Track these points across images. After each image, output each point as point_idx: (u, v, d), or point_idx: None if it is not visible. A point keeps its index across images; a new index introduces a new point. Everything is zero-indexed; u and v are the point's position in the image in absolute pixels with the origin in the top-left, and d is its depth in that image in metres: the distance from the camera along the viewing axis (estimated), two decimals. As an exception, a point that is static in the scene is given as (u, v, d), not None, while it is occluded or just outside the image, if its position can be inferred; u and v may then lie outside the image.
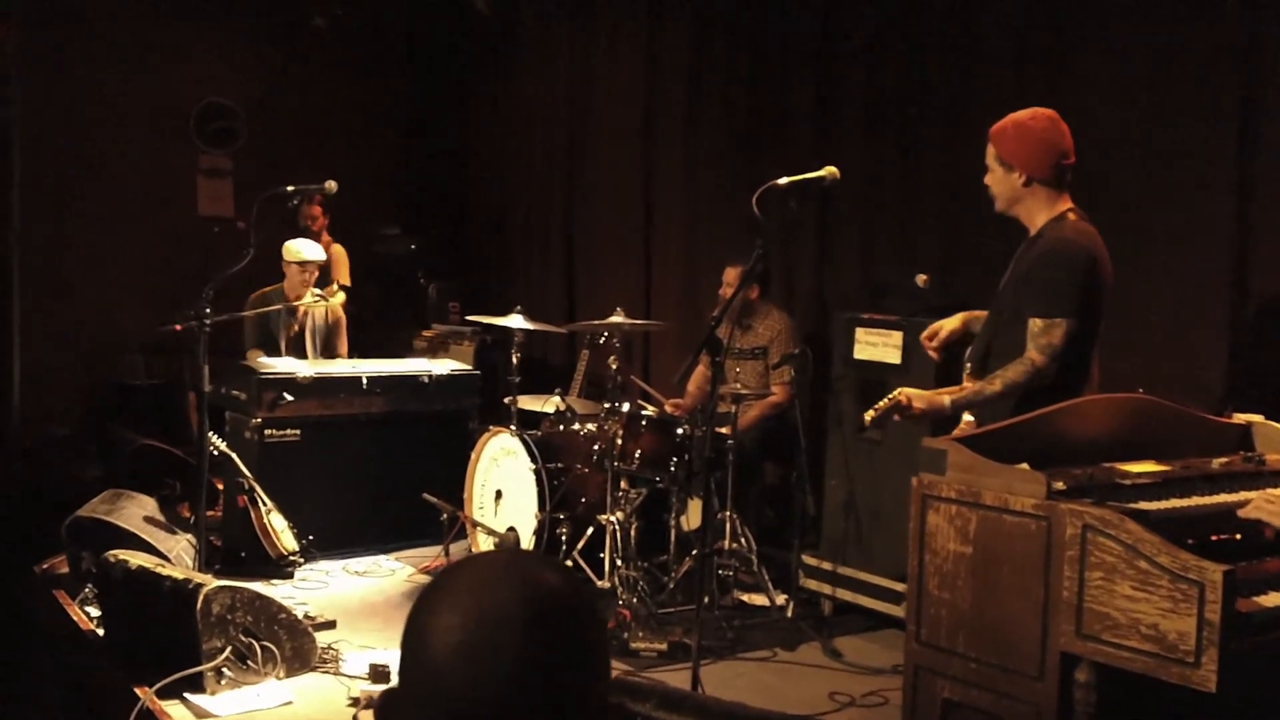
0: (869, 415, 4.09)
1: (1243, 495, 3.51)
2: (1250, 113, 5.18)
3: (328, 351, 7.52)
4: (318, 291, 7.41)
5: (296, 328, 7.46)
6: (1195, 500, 3.47)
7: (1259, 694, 3.47)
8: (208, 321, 5.50)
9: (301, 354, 7.37)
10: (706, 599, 5.67)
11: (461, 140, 11.01)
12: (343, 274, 8.71)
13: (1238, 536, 3.46)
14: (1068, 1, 5.87)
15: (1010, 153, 4.04)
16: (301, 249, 7.38)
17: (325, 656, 5.00)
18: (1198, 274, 5.36)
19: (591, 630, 1.41)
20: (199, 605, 4.49)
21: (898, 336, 5.72)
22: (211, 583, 4.63)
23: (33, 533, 6.49)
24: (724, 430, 6.05)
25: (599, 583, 6.06)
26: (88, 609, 5.46)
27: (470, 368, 7.81)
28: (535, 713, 1.32)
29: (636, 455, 6.15)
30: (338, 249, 8.84)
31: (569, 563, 5.97)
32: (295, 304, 7.31)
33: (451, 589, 1.39)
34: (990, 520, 3.47)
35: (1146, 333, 5.51)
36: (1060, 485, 3.39)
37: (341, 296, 7.87)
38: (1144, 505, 3.34)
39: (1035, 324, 3.93)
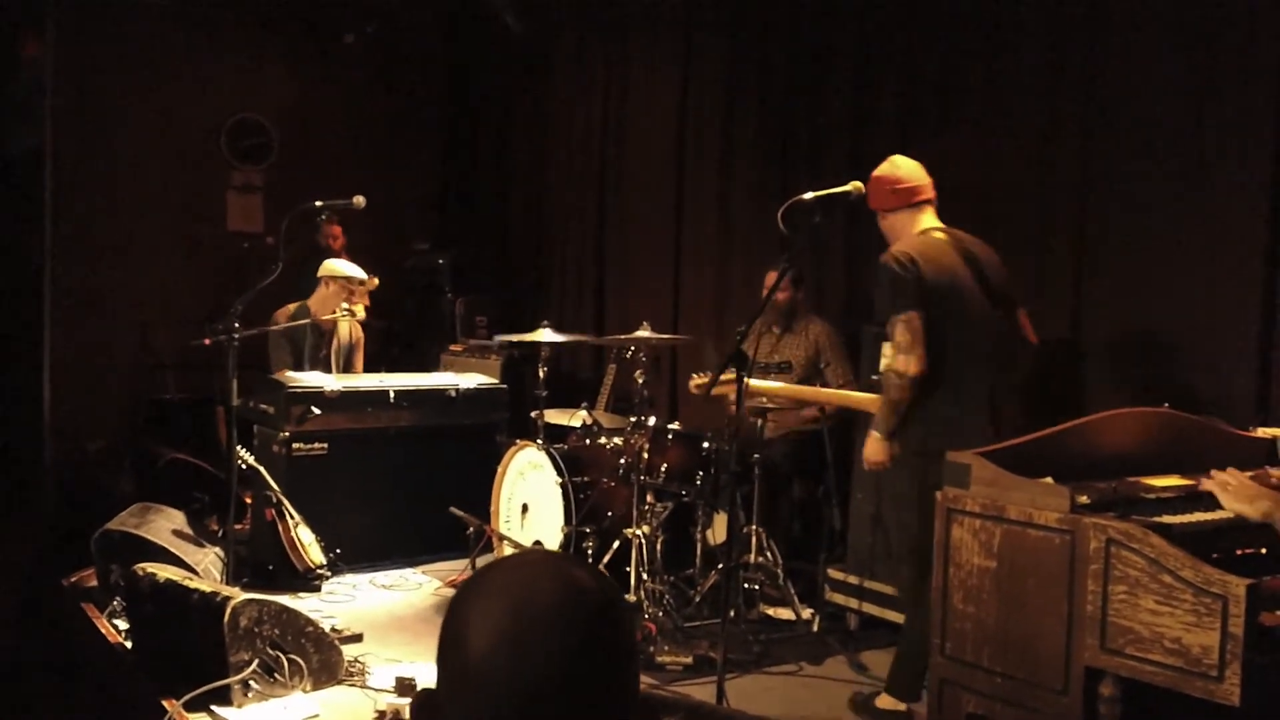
0: (697, 381, 5.04)
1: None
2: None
3: (347, 369, 7.54)
4: (345, 307, 7.44)
5: (325, 350, 7.47)
6: (1219, 514, 3.44)
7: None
8: (236, 336, 5.54)
9: (326, 371, 7.38)
10: (732, 613, 5.69)
11: (493, 156, 11.05)
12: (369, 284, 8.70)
13: (1263, 550, 3.45)
14: (1100, 16, 5.86)
15: (871, 202, 4.74)
16: (347, 267, 7.34)
17: (352, 669, 5.01)
18: (1227, 290, 5.33)
19: (624, 625, 1.42)
20: (226, 618, 4.52)
21: (924, 350, 5.71)
22: (239, 596, 4.65)
23: (66, 546, 6.54)
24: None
25: (626, 597, 6.07)
26: (116, 622, 5.49)
27: (497, 382, 7.83)
28: (575, 706, 1.33)
29: (663, 469, 6.17)
30: None
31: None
32: (327, 318, 7.31)
33: (490, 585, 1.40)
34: (1014, 534, 3.47)
35: (1176, 349, 5.49)
36: (1084, 499, 3.39)
37: (361, 314, 7.88)
38: (1168, 519, 3.34)
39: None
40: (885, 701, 4.65)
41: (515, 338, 7.08)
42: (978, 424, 4.42)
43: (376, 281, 7.66)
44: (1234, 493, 3.36)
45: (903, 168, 4.72)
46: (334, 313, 7.27)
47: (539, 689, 1.32)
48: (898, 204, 4.68)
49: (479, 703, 1.34)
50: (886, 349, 4.45)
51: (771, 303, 6.04)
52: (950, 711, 3.66)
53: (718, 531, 6.37)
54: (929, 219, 4.69)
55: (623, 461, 6.22)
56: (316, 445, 6.76)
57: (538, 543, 6.38)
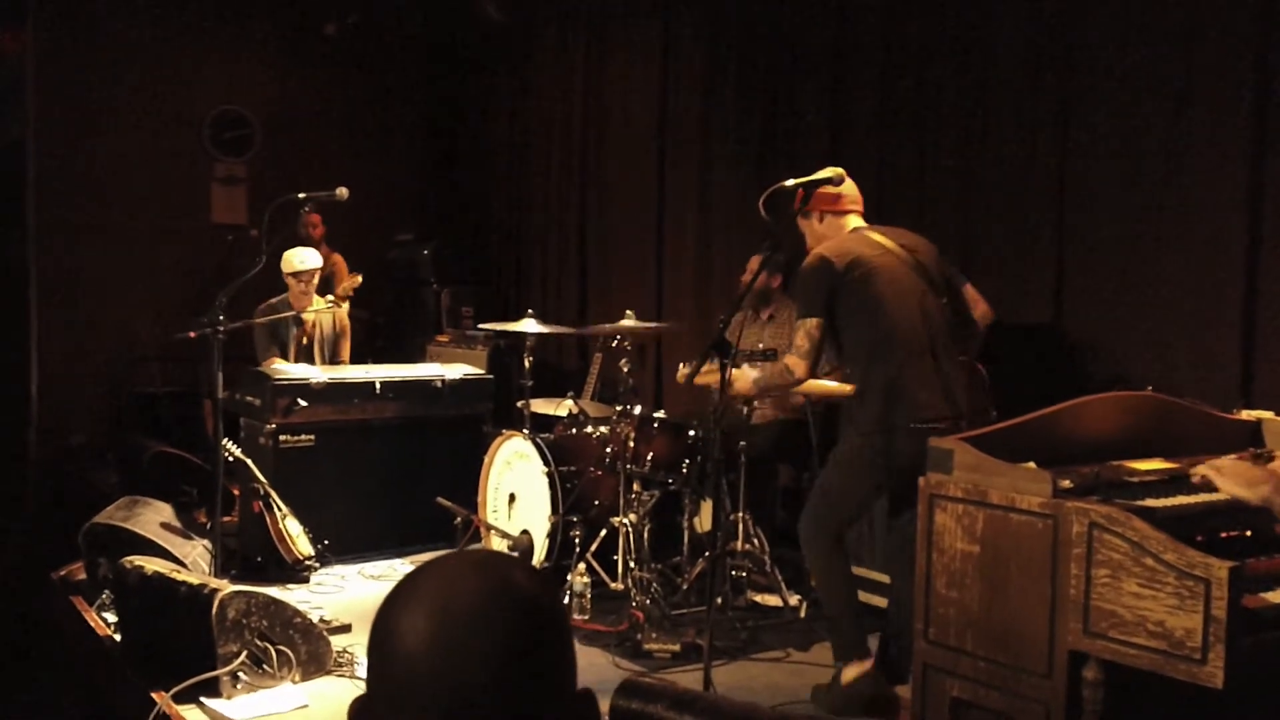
0: (684, 370, 5.36)
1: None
2: (1262, 111, 5.17)
3: (333, 360, 7.53)
4: (330, 298, 7.44)
5: (305, 339, 7.46)
6: (1203, 497, 3.46)
7: (1267, 690, 3.47)
8: (221, 329, 5.54)
9: (310, 363, 7.37)
10: (719, 600, 5.71)
11: (476, 146, 11.04)
12: (351, 282, 8.66)
13: (1248, 533, 3.47)
14: (1079, 7, 5.87)
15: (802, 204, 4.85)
16: (292, 259, 7.28)
17: (340, 660, 5.01)
18: (1210, 275, 5.35)
19: (558, 624, 1.41)
20: (214, 610, 4.52)
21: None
22: (227, 587, 4.65)
23: (52, 540, 6.53)
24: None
25: (613, 585, 6.09)
26: (104, 615, 5.49)
27: (483, 372, 7.82)
28: (506, 707, 1.33)
29: (649, 458, 6.18)
30: (337, 258, 8.85)
31: (582, 565, 5.99)
32: (304, 312, 7.30)
33: (416, 589, 1.39)
34: (997, 519, 3.49)
35: (1159, 333, 5.52)
36: (1067, 483, 3.40)
37: (346, 305, 7.86)
38: (1151, 503, 3.35)
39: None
40: (848, 673, 4.66)
41: (497, 327, 7.06)
42: (932, 394, 4.51)
43: (360, 279, 7.66)
44: (1230, 476, 3.36)
45: (845, 190, 4.85)
46: (304, 306, 7.26)
47: (465, 690, 1.32)
48: (829, 209, 4.82)
49: (408, 705, 1.34)
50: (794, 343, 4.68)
51: (755, 289, 6.06)
52: (934, 696, 3.68)
53: (704, 519, 6.39)
54: (855, 221, 4.86)
55: (609, 450, 6.23)
56: (303, 437, 6.76)
57: (525, 532, 6.39)
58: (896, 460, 4.45)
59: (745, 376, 4.87)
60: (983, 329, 4.84)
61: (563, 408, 7.09)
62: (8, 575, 6.97)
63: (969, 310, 4.82)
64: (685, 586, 6.07)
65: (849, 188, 4.86)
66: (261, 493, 6.39)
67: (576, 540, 6.17)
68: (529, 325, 6.72)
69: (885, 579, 5.72)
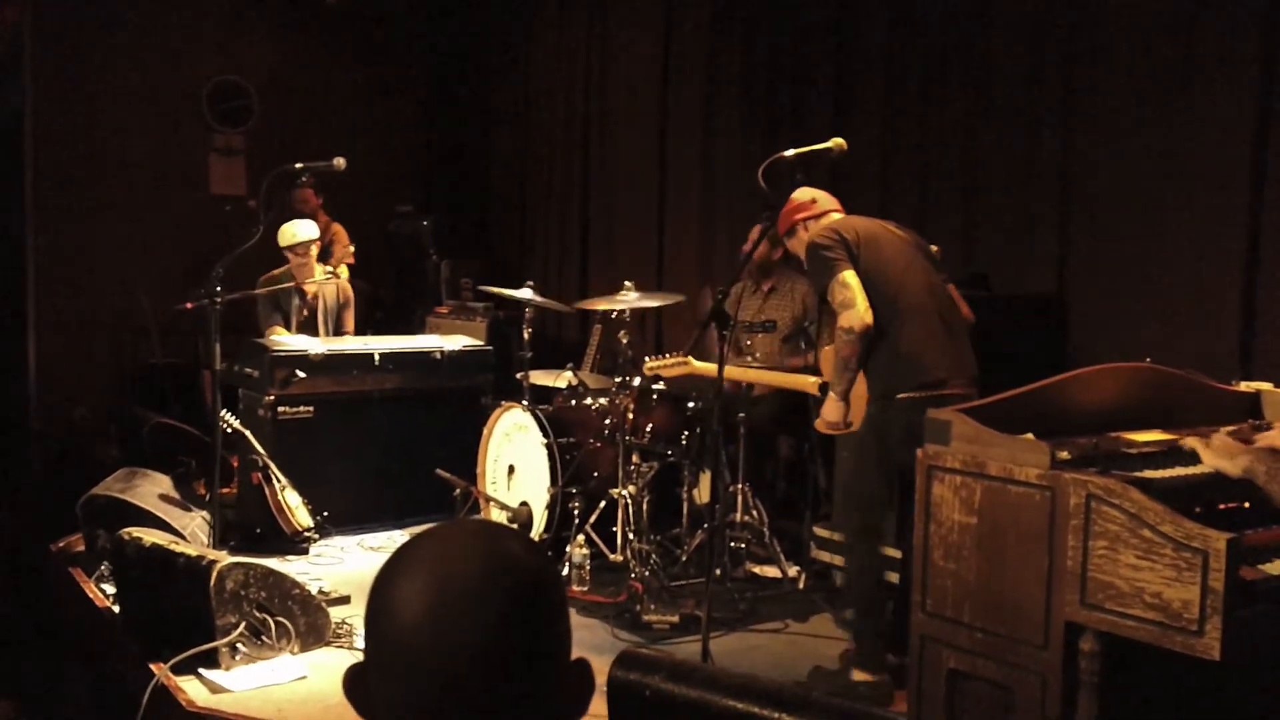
0: (651, 364, 5.61)
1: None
2: (1266, 87, 5.15)
3: (337, 330, 7.52)
4: (329, 269, 7.43)
5: (306, 311, 7.44)
6: (1201, 469, 3.45)
7: (1264, 662, 3.47)
8: (218, 300, 5.52)
9: (314, 334, 7.36)
10: (718, 571, 5.71)
11: (477, 117, 11.00)
12: (344, 252, 8.63)
13: (1246, 505, 3.46)
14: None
15: (783, 227, 5.07)
16: (286, 232, 7.25)
17: (339, 631, 5.03)
18: (1212, 246, 5.34)
19: (553, 597, 1.41)
20: (212, 581, 4.53)
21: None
22: (225, 559, 4.66)
23: (52, 512, 6.54)
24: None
25: (612, 556, 6.09)
26: (103, 586, 5.50)
27: (483, 344, 7.81)
28: (500, 680, 1.32)
29: (648, 429, 6.17)
30: (337, 227, 8.81)
31: (581, 537, 5.99)
32: (306, 283, 7.29)
33: (413, 560, 1.38)
34: (995, 491, 3.48)
35: (1160, 306, 5.50)
36: (1065, 455, 3.39)
37: (346, 273, 7.83)
38: (1149, 474, 3.34)
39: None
40: (858, 675, 4.64)
41: (496, 291, 7.02)
42: (941, 359, 4.50)
43: (352, 248, 7.64)
44: (1214, 449, 3.38)
45: (815, 194, 4.98)
46: (306, 278, 7.26)
47: (459, 660, 1.31)
48: (809, 215, 4.92)
49: (402, 677, 1.34)
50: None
51: (755, 260, 6.04)
52: (931, 668, 3.68)
53: (703, 491, 6.38)
54: (837, 217, 4.92)
55: (608, 422, 6.23)
56: (302, 409, 6.75)
57: (524, 504, 6.39)
58: (908, 430, 4.38)
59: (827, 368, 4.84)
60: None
61: (562, 379, 7.07)
62: (8, 548, 6.98)
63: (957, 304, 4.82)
64: (684, 558, 6.07)
65: (821, 193, 4.96)
66: (260, 464, 6.39)
67: (576, 512, 6.16)
68: (526, 293, 6.69)
69: (886, 551, 5.72)
